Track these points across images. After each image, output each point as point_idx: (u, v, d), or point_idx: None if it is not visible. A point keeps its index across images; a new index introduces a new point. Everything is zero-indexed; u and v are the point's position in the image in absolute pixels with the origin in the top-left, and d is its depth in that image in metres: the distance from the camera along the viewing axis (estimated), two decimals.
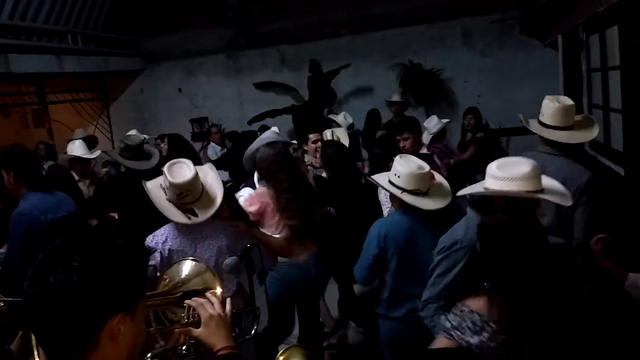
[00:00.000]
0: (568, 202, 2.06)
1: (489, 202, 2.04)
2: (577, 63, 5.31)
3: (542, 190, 1.98)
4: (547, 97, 2.80)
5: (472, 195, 2.17)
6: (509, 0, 6.94)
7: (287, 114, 7.46)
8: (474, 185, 2.23)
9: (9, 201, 3.35)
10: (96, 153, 4.76)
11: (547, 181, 2.06)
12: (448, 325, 1.61)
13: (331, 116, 6.26)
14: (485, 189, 2.03)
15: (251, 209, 2.91)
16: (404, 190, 2.52)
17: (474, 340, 1.54)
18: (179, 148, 4.49)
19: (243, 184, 3.64)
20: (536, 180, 1.97)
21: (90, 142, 5.46)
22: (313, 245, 3.08)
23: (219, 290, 1.57)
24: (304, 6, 7.84)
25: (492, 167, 2.03)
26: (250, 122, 7.40)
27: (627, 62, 3.30)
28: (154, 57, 8.66)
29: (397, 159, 2.60)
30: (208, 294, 1.47)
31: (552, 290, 1.53)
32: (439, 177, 2.65)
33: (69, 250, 0.95)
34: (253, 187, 3.36)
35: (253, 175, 3.46)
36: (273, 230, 2.94)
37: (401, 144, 4.05)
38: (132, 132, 5.20)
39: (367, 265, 2.62)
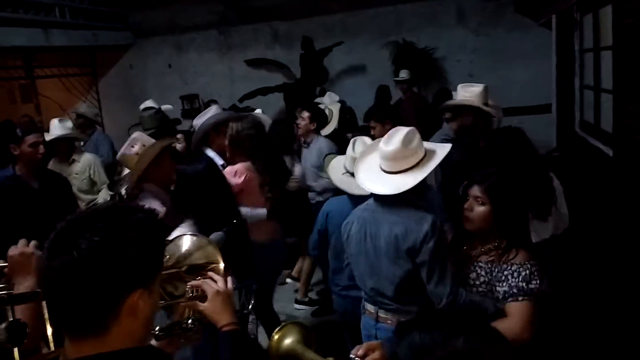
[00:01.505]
0: None
1: None
2: (570, 43, 5.31)
3: None
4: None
5: None
6: None
7: (279, 92, 7.40)
8: (372, 173, 2.15)
9: None
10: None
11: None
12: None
13: (317, 100, 6.12)
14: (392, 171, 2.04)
15: (236, 180, 2.87)
16: (346, 171, 2.59)
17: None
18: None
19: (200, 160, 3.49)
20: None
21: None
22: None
23: (222, 264, 1.57)
24: None
25: (392, 147, 2.01)
26: (241, 100, 7.33)
27: (620, 41, 3.30)
28: (143, 32, 8.50)
29: (351, 141, 2.66)
30: (211, 272, 1.47)
31: None
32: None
33: (91, 223, 0.93)
34: (212, 162, 3.19)
35: (204, 151, 3.21)
36: (255, 205, 2.94)
37: (371, 132, 3.65)
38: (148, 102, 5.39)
39: (314, 239, 2.82)
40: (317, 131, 4.14)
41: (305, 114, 4.14)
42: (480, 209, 1.91)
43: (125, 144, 2.61)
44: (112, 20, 8.16)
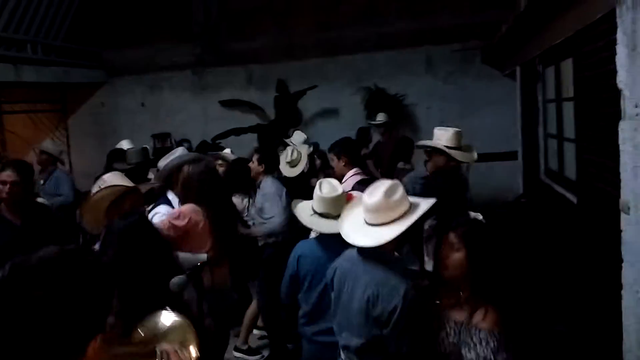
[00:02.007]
0: None
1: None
2: (534, 93, 5.54)
3: None
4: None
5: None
6: (471, 31, 7.19)
7: (253, 133, 7.42)
8: (353, 224, 2.18)
9: None
10: None
11: None
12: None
13: (287, 140, 6.12)
14: (379, 224, 2.03)
15: (178, 223, 2.74)
16: (314, 212, 2.60)
17: None
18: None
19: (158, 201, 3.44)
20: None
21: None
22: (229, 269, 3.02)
23: (193, 353, 1.50)
24: (273, 27, 7.90)
25: (375, 201, 2.02)
26: (214, 139, 7.31)
27: (580, 93, 3.45)
28: (117, 70, 8.48)
29: (318, 182, 2.67)
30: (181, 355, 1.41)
31: None
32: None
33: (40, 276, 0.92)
34: (169, 204, 3.15)
35: (166, 193, 3.23)
36: (198, 250, 2.85)
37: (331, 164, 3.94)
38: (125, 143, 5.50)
39: (285, 284, 2.74)
40: (266, 173, 3.98)
41: (255, 156, 4.07)
42: (455, 256, 1.87)
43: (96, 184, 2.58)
44: (85, 57, 8.13)
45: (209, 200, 2.83)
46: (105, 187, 2.50)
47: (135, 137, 6.33)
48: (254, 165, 4.02)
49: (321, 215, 2.59)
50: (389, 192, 1.97)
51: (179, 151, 3.29)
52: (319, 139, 6.64)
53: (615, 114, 2.39)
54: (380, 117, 6.50)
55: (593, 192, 3.17)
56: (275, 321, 3.94)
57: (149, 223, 2.20)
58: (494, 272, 1.84)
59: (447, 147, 3.24)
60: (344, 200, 2.58)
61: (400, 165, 4.77)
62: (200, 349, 1.59)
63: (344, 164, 3.65)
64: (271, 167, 3.99)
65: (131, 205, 2.53)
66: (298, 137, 5.71)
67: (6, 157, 6.94)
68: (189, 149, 6.84)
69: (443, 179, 3.22)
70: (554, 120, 4.80)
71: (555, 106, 4.77)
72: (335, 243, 2.47)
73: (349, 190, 2.81)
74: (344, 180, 3.54)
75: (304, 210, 2.73)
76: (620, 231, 2.34)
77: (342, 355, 2.17)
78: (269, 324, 3.98)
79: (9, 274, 0.93)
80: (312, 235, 3.30)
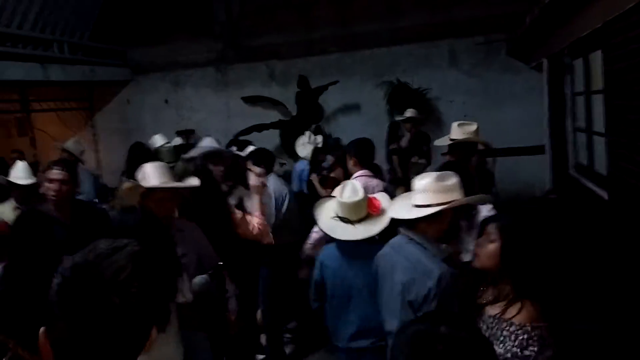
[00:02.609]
0: None
1: (434, 217, 2.08)
2: (561, 86, 5.40)
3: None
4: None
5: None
6: (494, 23, 7.05)
7: (275, 129, 7.45)
8: (401, 205, 2.24)
9: None
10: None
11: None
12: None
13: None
14: (428, 205, 2.06)
15: None
16: (336, 215, 2.57)
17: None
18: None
19: None
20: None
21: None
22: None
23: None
24: (293, 22, 7.89)
25: (426, 182, 2.11)
26: (236, 136, 7.34)
27: (611, 85, 3.35)
28: (141, 68, 8.60)
29: (341, 185, 2.67)
30: None
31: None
32: (384, 205, 2.60)
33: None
34: None
35: None
36: None
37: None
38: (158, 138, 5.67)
39: (312, 291, 2.74)
40: (266, 172, 3.82)
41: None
42: (490, 247, 1.86)
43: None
44: (111, 56, 8.27)
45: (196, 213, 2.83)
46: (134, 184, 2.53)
47: (161, 133, 6.41)
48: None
49: (341, 219, 2.55)
50: (440, 177, 2.08)
51: (207, 141, 3.31)
52: (341, 134, 6.63)
53: None
54: (408, 113, 6.34)
55: (625, 187, 3.08)
56: (275, 322, 3.96)
57: (153, 219, 2.22)
58: (531, 267, 1.82)
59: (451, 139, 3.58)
60: (365, 205, 2.54)
61: (414, 159, 4.67)
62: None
63: (353, 163, 3.65)
64: (268, 166, 3.91)
65: (159, 198, 2.54)
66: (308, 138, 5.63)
67: (35, 154, 7.14)
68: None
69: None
70: (583, 114, 4.68)
71: (584, 99, 4.65)
72: (355, 248, 2.52)
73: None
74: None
75: (326, 211, 2.69)
76: None
77: (388, 341, 2.19)
78: (270, 326, 3.95)
79: (72, 273, 0.97)
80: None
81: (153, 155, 4.72)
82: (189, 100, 8.50)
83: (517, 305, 1.77)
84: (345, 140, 6.25)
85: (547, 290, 1.72)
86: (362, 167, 3.62)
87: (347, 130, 7.07)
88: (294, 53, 7.93)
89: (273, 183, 3.86)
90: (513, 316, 1.75)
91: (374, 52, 7.71)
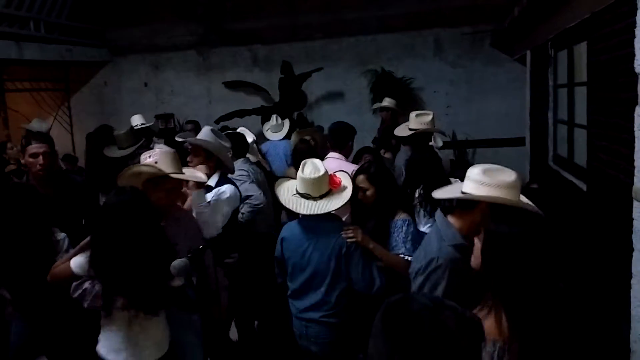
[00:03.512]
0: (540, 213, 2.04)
1: (467, 206, 2.03)
2: (544, 78, 5.42)
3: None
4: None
5: (444, 200, 2.14)
6: (480, 14, 7.05)
7: (257, 115, 7.34)
8: (449, 188, 2.21)
9: None
10: None
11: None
12: None
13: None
14: (466, 193, 2.00)
15: None
16: (296, 192, 2.63)
17: None
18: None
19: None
20: (518, 190, 2.00)
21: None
22: None
23: None
24: (277, 7, 7.76)
25: (475, 172, 2.00)
26: (217, 121, 7.24)
27: (594, 77, 3.36)
28: (120, 50, 8.38)
29: (302, 163, 2.70)
30: None
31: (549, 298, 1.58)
32: (344, 182, 2.68)
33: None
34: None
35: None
36: None
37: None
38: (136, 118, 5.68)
39: (275, 266, 2.84)
40: (236, 157, 3.85)
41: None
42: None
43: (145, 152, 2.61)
44: (88, 36, 8.03)
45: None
46: (142, 165, 2.47)
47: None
48: None
49: (302, 195, 2.60)
50: (490, 170, 2.02)
51: (205, 131, 3.24)
52: (324, 122, 6.57)
53: (631, 100, 2.31)
54: (385, 102, 6.25)
55: (604, 179, 3.10)
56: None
57: (144, 202, 2.16)
58: (509, 269, 1.64)
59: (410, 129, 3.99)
60: (326, 181, 2.59)
61: (382, 152, 4.73)
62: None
63: (329, 145, 3.79)
64: (239, 151, 3.91)
65: (171, 187, 2.51)
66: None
67: (7, 135, 6.93)
68: (194, 130, 6.77)
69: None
70: (565, 106, 4.70)
71: (566, 91, 4.66)
72: (316, 224, 2.60)
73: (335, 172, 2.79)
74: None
75: (287, 190, 2.72)
76: (632, 219, 2.28)
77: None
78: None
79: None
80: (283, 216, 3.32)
81: (112, 139, 4.62)
82: (169, 84, 8.32)
83: (492, 316, 1.61)
84: (328, 129, 6.21)
85: (524, 294, 1.62)
86: (336, 150, 3.69)
87: (330, 117, 6.99)
88: (278, 38, 7.82)
89: (242, 166, 3.82)
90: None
91: (360, 40, 7.64)
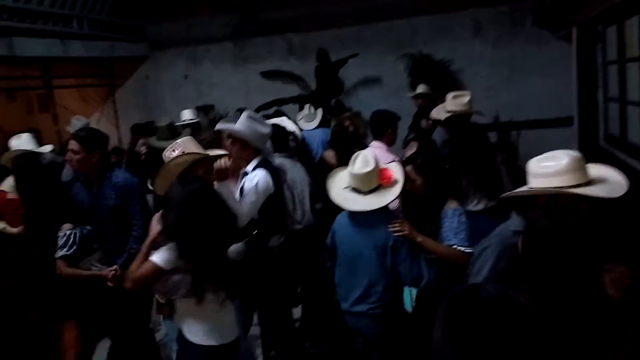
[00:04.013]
0: (616, 194, 1.87)
1: (530, 201, 1.96)
2: (592, 56, 5.21)
3: (587, 183, 1.85)
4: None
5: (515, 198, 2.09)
6: None
7: (294, 103, 7.37)
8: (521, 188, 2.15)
9: None
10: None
11: (599, 171, 1.94)
12: None
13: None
14: (530, 188, 1.95)
15: None
16: (348, 186, 2.60)
17: None
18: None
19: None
20: (577, 174, 1.84)
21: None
22: None
23: None
24: None
25: (532, 164, 1.94)
26: (257, 111, 7.30)
27: None
28: (159, 44, 8.56)
29: (353, 156, 2.65)
30: None
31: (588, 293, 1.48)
32: (396, 176, 2.60)
33: None
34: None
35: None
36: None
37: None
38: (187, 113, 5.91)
39: (326, 254, 2.86)
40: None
41: None
42: None
43: (168, 148, 2.63)
44: (129, 32, 8.23)
45: None
46: (179, 156, 2.52)
47: (180, 109, 6.39)
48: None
49: (353, 189, 2.58)
50: (545, 158, 1.95)
51: (242, 118, 3.26)
52: (362, 108, 6.55)
53: None
54: (419, 88, 6.18)
55: None
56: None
57: (212, 190, 2.22)
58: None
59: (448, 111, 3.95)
60: (376, 176, 2.54)
61: (411, 136, 4.64)
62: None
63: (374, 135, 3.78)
64: (277, 146, 3.80)
65: (203, 173, 2.55)
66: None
67: (57, 130, 7.20)
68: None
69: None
70: (616, 83, 4.51)
71: (617, 68, 4.47)
72: (365, 216, 2.56)
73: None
74: None
75: (338, 183, 2.70)
76: None
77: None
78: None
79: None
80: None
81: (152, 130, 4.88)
82: (207, 76, 8.45)
83: None
84: (365, 114, 6.19)
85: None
86: (377, 139, 3.67)
87: (367, 103, 6.97)
88: (312, 26, 7.79)
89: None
90: None
91: (394, 24, 7.52)
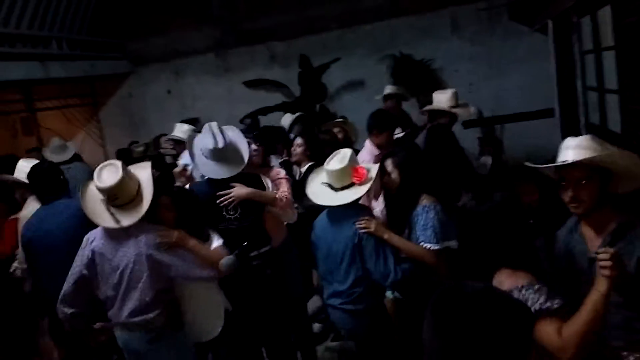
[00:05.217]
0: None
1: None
2: (569, 46, 5.30)
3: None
4: None
5: None
6: None
7: (279, 111, 7.39)
8: None
9: None
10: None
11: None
12: None
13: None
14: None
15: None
16: (324, 182, 2.68)
17: None
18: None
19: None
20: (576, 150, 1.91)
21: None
22: None
23: None
24: (291, 1, 7.77)
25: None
26: (242, 120, 7.31)
27: (622, 40, 3.28)
28: (141, 60, 8.54)
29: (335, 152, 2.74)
30: None
31: None
32: (371, 175, 2.63)
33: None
34: None
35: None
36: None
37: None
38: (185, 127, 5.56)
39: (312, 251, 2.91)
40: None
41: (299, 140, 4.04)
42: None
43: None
44: (110, 50, 8.21)
45: None
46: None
47: (165, 124, 6.39)
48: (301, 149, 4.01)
49: (329, 185, 2.66)
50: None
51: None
52: (347, 112, 6.57)
53: None
54: (387, 89, 5.91)
55: None
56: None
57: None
58: None
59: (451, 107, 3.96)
60: (348, 173, 2.58)
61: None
62: None
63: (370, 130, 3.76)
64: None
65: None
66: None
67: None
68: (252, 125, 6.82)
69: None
70: (593, 72, 4.59)
71: (593, 57, 4.55)
72: (341, 213, 2.64)
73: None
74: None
75: (317, 179, 2.78)
76: None
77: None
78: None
79: None
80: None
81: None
82: (191, 89, 8.44)
83: None
84: (351, 118, 6.22)
85: None
86: (372, 135, 3.71)
87: (352, 107, 7.02)
88: (293, 33, 7.84)
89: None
90: None
91: (375, 27, 7.60)
